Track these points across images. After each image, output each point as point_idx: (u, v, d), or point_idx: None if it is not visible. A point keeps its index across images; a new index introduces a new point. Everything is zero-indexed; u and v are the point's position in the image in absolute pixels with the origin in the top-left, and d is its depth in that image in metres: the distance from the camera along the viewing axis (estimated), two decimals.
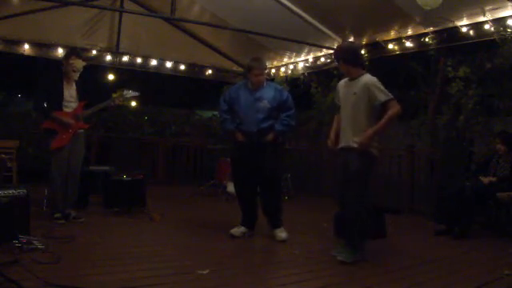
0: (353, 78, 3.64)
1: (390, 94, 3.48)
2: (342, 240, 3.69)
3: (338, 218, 3.81)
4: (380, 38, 6.34)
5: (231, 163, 4.44)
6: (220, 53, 8.45)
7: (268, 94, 4.16)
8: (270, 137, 4.10)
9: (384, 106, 3.46)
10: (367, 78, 3.58)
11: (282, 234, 4.10)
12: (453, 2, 4.89)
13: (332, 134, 3.79)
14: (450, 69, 5.96)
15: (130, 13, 6.80)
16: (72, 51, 4.72)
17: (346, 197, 3.57)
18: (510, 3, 4.85)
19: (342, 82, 3.81)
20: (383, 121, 3.43)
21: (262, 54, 7.79)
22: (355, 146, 3.49)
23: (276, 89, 4.25)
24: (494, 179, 4.68)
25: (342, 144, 3.67)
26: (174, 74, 8.71)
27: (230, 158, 4.40)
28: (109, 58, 7.81)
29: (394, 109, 3.43)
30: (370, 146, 3.50)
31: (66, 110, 4.46)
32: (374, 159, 3.58)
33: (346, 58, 3.64)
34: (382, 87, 3.50)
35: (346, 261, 3.42)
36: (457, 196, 4.66)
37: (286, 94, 4.25)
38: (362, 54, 3.73)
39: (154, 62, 8.20)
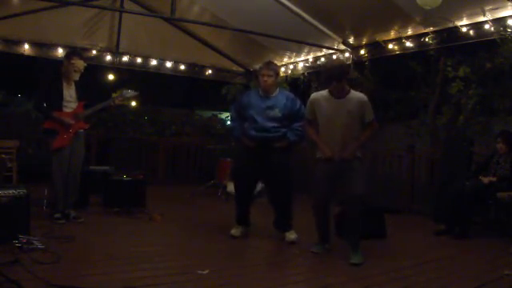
0: (341, 96, 3.62)
1: (373, 114, 3.72)
2: (349, 243, 3.67)
3: (325, 226, 3.83)
4: (380, 37, 6.35)
5: (235, 163, 4.38)
6: (220, 53, 8.45)
7: (279, 102, 4.08)
8: (283, 144, 4.06)
9: (367, 124, 3.68)
10: (360, 95, 3.69)
11: (291, 235, 4.08)
12: (453, 2, 4.89)
13: (326, 147, 3.67)
14: (450, 69, 5.96)
15: (130, 13, 6.80)
16: (74, 51, 4.73)
17: (351, 199, 3.58)
18: (509, 3, 4.85)
19: (319, 96, 3.74)
20: (368, 133, 3.70)
21: (262, 54, 7.81)
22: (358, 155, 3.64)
23: (288, 97, 4.16)
24: (493, 179, 4.68)
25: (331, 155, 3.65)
26: (174, 74, 8.72)
27: (235, 158, 4.37)
28: (109, 58, 7.82)
29: (376, 127, 3.72)
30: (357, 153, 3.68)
31: (65, 110, 4.46)
32: (363, 163, 3.80)
33: (346, 76, 3.70)
34: (371, 107, 3.71)
35: (360, 262, 3.41)
36: (457, 196, 4.66)
37: (298, 103, 4.17)
38: None
39: (154, 62, 8.21)
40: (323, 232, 3.81)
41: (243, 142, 4.15)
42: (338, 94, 3.62)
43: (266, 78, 4.07)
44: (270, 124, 4.03)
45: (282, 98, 4.13)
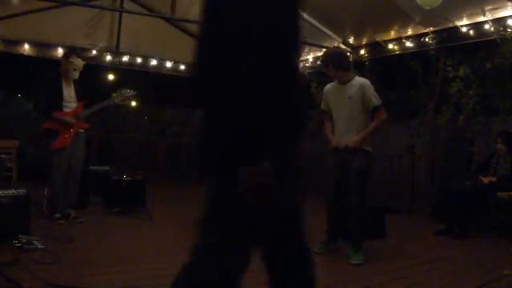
0: (343, 82, 3.67)
1: (380, 100, 3.60)
2: (349, 243, 3.67)
3: (335, 218, 3.81)
4: (380, 37, 6.34)
5: None
6: None
7: None
8: None
9: (375, 110, 3.58)
10: (361, 80, 3.65)
11: None
12: (453, 2, 4.89)
13: (331, 136, 3.76)
14: (450, 69, 5.96)
15: (130, 13, 6.80)
16: (72, 50, 4.73)
17: (351, 199, 3.56)
18: (509, 3, 4.85)
19: (329, 86, 3.84)
20: (375, 124, 3.57)
21: None
22: (360, 146, 3.54)
23: None
24: (494, 179, 4.68)
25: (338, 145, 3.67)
26: (173, 74, 8.71)
27: None
28: (109, 58, 7.81)
29: (385, 115, 3.60)
30: (366, 146, 3.57)
31: (65, 110, 4.46)
32: (372, 158, 3.66)
33: (335, 63, 3.68)
34: (375, 91, 3.61)
35: (361, 262, 3.41)
36: (457, 196, 4.66)
37: None
38: (348, 57, 3.80)
39: (153, 62, 8.20)
40: (331, 228, 3.79)
41: None
42: (341, 80, 3.68)
43: None
44: None
45: None
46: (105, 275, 2.90)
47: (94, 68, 8.00)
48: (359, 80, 3.66)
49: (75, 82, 4.57)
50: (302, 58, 7.84)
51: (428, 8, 4.46)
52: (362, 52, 6.69)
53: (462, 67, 5.85)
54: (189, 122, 9.55)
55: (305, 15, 5.30)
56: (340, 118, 3.67)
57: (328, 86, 3.86)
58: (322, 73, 7.71)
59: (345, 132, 3.62)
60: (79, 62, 4.51)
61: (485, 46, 5.55)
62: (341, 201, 3.69)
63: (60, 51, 7.23)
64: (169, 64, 8.35)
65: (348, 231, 3.70)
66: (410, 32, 5.99)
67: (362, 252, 3.51)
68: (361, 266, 3.40)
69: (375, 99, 3.57)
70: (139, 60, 8.06)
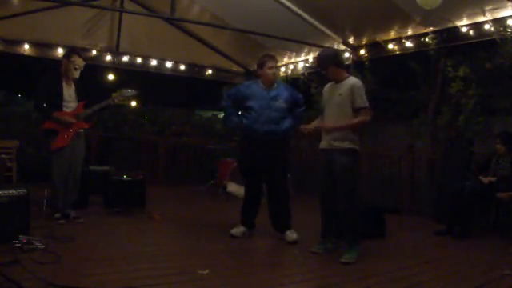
0: (339, 81, 3.70)
1: (367, 102, 3.60)
2: (342, 242, 3.69)
3: (326, 217, 3.82)
4: (380, 38, 6.35)
5: (241, 162, 4.36)
6: (220, 53, 8.45)
7: (283, 93, 4.15)
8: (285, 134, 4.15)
9: (358, 111, 3.58)
10: (354, 80, 3.67)
11: (293, 235, 4.07)
12: (453, 2, 4.89)
13: (311, 126, 3.83)
14: (450, 69, 5.96)
15: (130, 13, 6.80)
16: (73, 49, 4.74)
17: (339, 198, 3.59)
18: (509, 3, 4.86)
19: (327, 85, 3.88)
20: (356, 121, 3.57)
21: (261, 54, 7.78)
22: (341, 146, 3.57)
23: (287, 88, 4.29)
24: (493, 179, 4.68)
25: (323, 145, 3.72)
26: (173, 74, 8.72)
27: (241, 156, 4.38)
28: (109, 58, 7.82)
29: (367, 116, 3.59)
30: (349, 144, 3.57)
31: (65, 110, 4.46)
32: (357, 155, 3.66)
33: (336, 61, 3.73)
34: (364, 94, 3.61)
35: (350, 262, 3.42)
36: (457, 196, 4.66)
37: (299, 94, 4.33)
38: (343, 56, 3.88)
39: (153, 62, 8.21)
40: (325, 226, 3.80)
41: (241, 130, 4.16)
42: (336, 78, 3.71)
43: (274, 71, 4.17)
44: (275, 114, 4.05)
45: (283, 89, 4.22)
46: (104, 275, 2.90)
47: (94, 68, 8.00)
48: (352, 80, 3.68)
49: (75, 81, 4.56)
50: (301, 58, 7.85)
51: (428, 8, 4.46)
52: (362, 52, 6.69)
53: (461, 67, 5.85)
54: (189, 122, 9.55)
55: (305, 15, 5.33)
56: (328, 114, 3.72)
57: (326, 85, 3.89)
58: (321, 72, 7.71)
59: (330, 131, 3.64)
60: (80, 61, 4.51)
61: (485, 46, 5.55)
62: (331, 201, 3.70)
63: (60, 51, 7.25)
64: (169, 64, 8.37)
65: (341, 231, 3.70)
66: (409, 32, 5.99)
67: (354, 251, 3.50)
68: (356, 265, 3.39)
69: (361, 101, 3.57)
70: (139, 60, 8.08)
